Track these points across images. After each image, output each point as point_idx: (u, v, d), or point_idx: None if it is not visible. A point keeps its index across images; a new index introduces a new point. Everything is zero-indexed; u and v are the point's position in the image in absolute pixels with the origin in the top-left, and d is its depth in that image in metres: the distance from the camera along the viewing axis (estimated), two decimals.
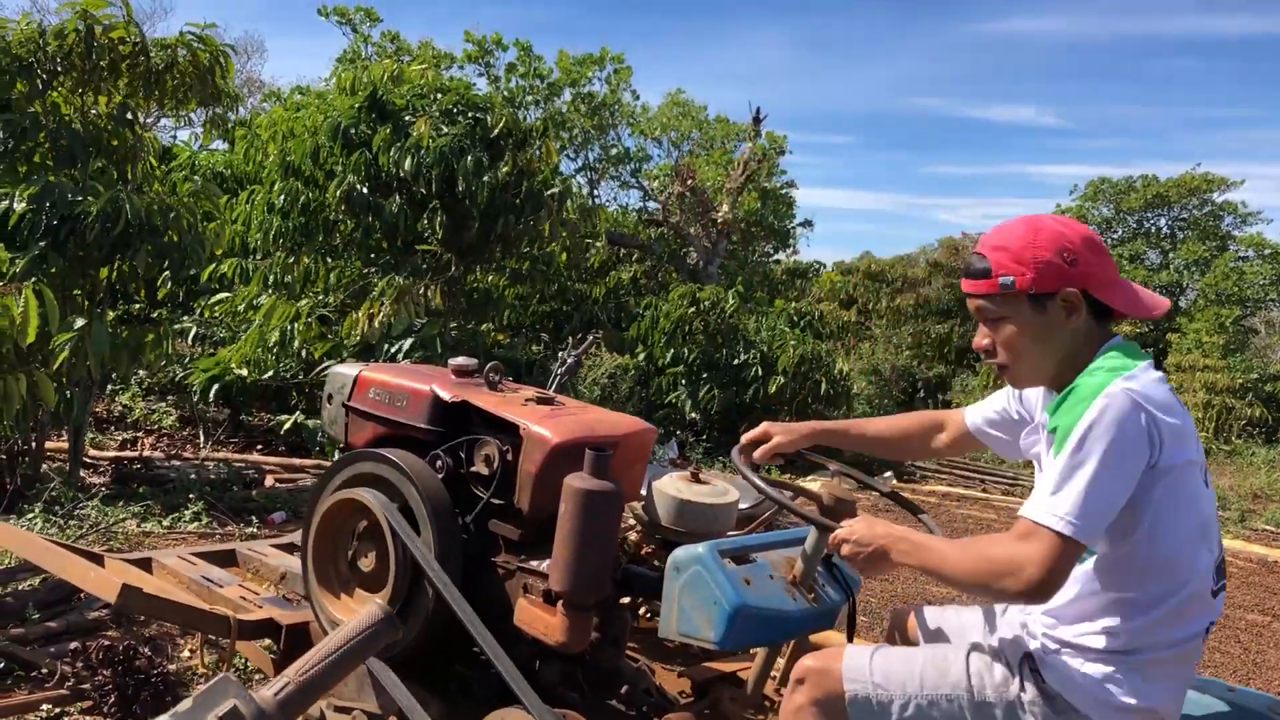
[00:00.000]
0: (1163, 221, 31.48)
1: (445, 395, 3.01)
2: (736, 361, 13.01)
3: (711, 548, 2.39)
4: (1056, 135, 78.43)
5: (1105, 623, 2.00)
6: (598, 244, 12.10)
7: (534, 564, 2.78)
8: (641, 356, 13.30)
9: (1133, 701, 1.97)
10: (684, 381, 12.93)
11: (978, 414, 2.53)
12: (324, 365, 8.76)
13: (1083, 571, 2.04)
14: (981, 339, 2.17)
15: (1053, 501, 1.88)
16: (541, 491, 2.79)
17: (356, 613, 2.22)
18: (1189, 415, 2.03)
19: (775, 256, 25.41)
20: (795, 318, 14.64)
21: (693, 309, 13.15)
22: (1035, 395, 2.31)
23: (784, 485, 2.60)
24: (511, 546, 2.89)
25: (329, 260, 10.07)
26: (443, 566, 2.75)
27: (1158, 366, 2.08)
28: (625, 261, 18.06)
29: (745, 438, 2.65)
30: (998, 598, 2.06)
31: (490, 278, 11.94)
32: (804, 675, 2.20)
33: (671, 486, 2.79)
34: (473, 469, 2.94)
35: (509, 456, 2.86)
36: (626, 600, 2.87)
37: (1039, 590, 1.89)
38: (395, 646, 2.84)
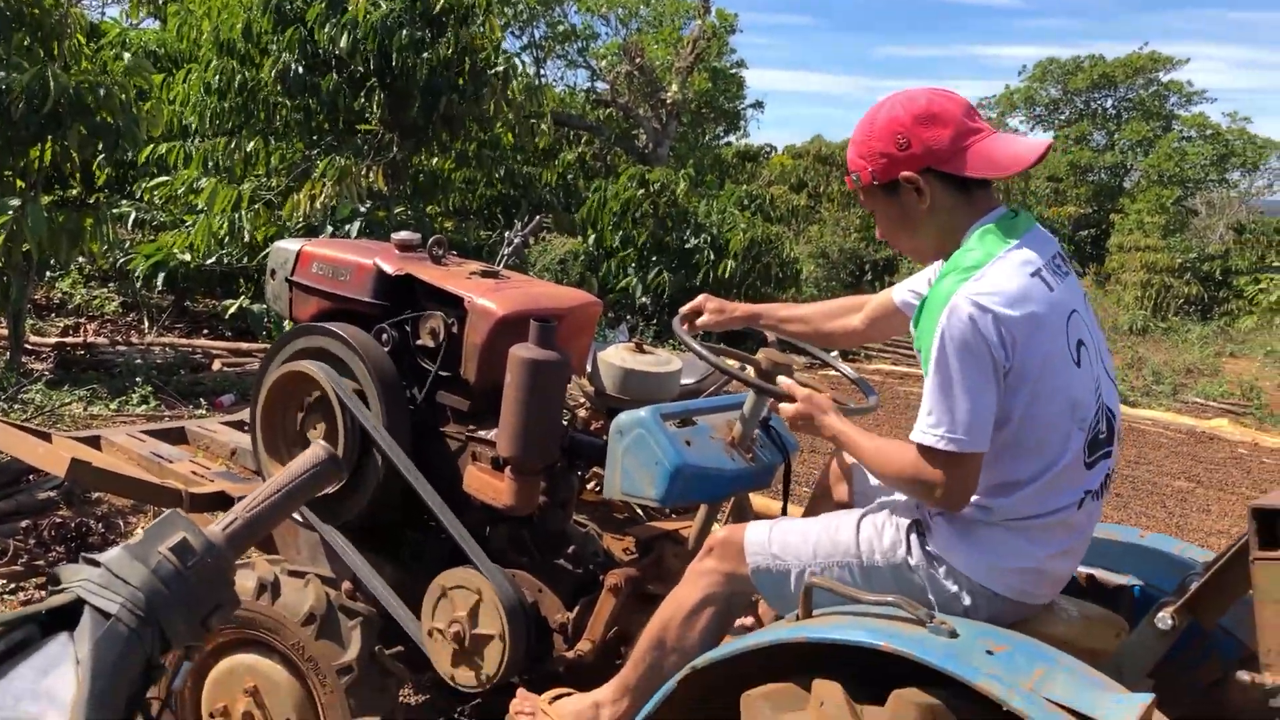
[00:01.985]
0: (1109, 103, 31.61)
1: (389, 269, 3.01)
2: (687, 245, 12.98)
3: (654, 411, 2.47)
4: (1009, 15, 77.91)
5: (980, 500, 2.04)
6: (543, 125, 11.87)
7: (482, 433, 2.84)
8: (591, 240, 13.22)
9: (1016, 563, 2.03)
10: (634, 266, 12.91)
11: (903, 288, 2.56)
12: (269, 250, 8.64)
13: None
14: (877, 227, 2.23)
15: (931, 422, 1.95)
16: (488, 363, 2.83)
17: None
18: (1067, 287, 2.04)
19: (726, 139, 25.21)
20: (746, 201, 14.60)
21: (642, 191, 13.03)
22: None
23: (723, 352, 2.68)
24: (460, 417, 2.94)
25: (270, 142, 9.83)
26: (392, 436, 2.80)
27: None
28: (573, 144, 17.78)
29: (683, 309, 2.73)
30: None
31: (435, 160, 11.73)
32: (713, 545, 2.32)
33: (616, 356, 2.89)
34: (419, 342, 2.97)
35: (454, 329, 2.89)
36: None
37: (953, 505, 2.02)
38: (349, 509, 2.92)
